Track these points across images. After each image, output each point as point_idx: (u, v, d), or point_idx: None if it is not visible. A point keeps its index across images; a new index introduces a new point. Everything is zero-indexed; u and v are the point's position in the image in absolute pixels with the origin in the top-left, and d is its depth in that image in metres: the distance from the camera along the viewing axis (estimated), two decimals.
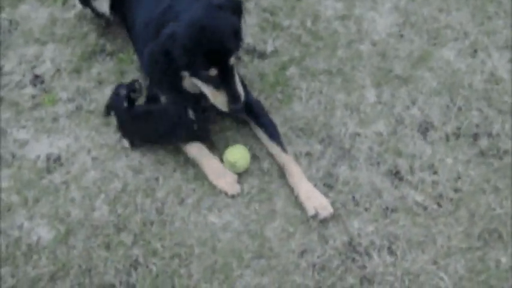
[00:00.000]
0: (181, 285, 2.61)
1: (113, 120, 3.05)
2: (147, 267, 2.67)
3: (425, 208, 2.78)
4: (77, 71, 3.40)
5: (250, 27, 3.50)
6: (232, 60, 2.60)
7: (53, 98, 3.27)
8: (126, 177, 2.95)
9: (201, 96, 2.79)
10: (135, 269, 2.67)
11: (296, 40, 3.49)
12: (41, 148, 3.09)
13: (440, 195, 2.81)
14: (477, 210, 2.76)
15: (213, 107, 2.80)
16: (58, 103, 3.26)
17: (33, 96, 3.30)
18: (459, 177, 2.87)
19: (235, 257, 2.67)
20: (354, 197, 2.83)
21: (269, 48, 3.45)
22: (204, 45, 2.50)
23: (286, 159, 2.87)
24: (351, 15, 3.60)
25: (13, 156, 3.06)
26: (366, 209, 2.79)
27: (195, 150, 2.93)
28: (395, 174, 2.89)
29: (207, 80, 2.65)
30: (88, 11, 3.53)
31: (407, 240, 2.69)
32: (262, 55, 3.41)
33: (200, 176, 2.92)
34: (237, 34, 2.65)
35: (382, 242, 2.69)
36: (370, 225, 2.74)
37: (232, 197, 2.84)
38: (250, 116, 2.98)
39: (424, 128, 3.05)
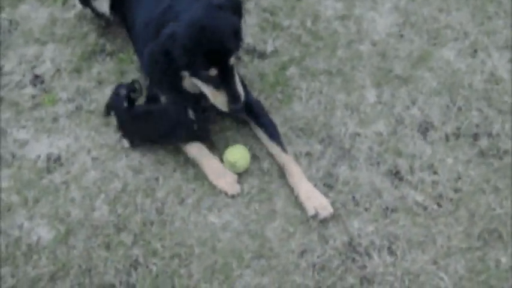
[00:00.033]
0: (181, 285, 2.61)
1: (113, 120, 3.05)
2: (147, 267, 2.67)
3: (425, 208, 2.78)
4: (77, 71, 3.40)
5: (250, 27, 3.50)
6: (232, 60, 2.60)
7: (53, 98, 3.27)
8: (126, 177, 2.95)
9: (201, 96, 2.79)
10: (135, 269, 2.67)
11: (296, 40, 3.49)
12: (41, 148, 3.09)
13: (440, 195, 2.81)
14: (477, 210, 2.76)
15: (213, 107, 2.80)
16: (58, 103, 3.26)
17: (33, 96, 3.30)
18: (459, 177, 2.87)
19: (235, 257, 2.67)
20: (354, 197, 2.83)
21: (269, 48, 3.45)
22: (204, 45, 2.50)
23: (286, 159, 2.87)
24: (351, 15, 3.59)
25: (13, 156, 3.06)
26: (366, 209, 2.79)
27: (195, 150, 2.93)
28: (395, 174, 2.89)
29: (207, 80, 2.65)
30: (88, 11, 3.53)
31: (407, 240, 2.69)
32: (262, 55, 3.41)
33: (200, 176, 2.92)
34: (237, 34, 2.65)
35: (382, 242, 2.69)
36: (370, 225, 2.74)
37: (232, 197, 2.84)
38: (250, 116, 2.98)
39: (424, 128, 3.05)
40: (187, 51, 2.51)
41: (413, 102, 3.15)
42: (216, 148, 3.00)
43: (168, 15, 2.67)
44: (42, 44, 3.56)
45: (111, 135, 3.07)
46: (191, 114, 2.85)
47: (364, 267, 2.63)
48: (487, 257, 2.63)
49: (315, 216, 2.73)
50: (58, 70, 3.41)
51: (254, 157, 2.95)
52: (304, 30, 3.53)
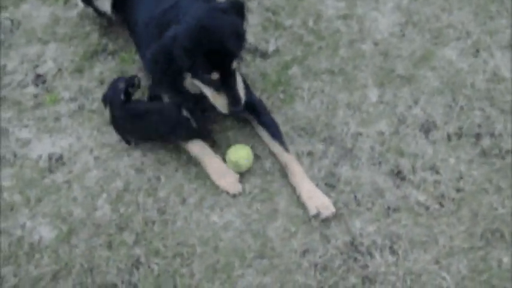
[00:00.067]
0: (183, 284, 2.61)
1: None
2: (149, 266, 2.67)
3: (427, 208, 2.78)
4: (79, 70, 3.40)
5: (252, 26, 3.50)
6: (234, 64, 2.61)
7: (55, 98, 3.27)
8: (128, 177, 2.95)
9: (202, 96, 2.79)
10: (137, 268, 2.67)
11: (298, 39, 3.49)
12: (43, 147, 3.09)
13: (443, 195, 2.81)
14: (479, 210, 2.76)
15: (213, 107, 2.80)
16: (60, 102, 3.27)
17: (35, 96, 3.30)
18: (461, 177, 2.87)
19: (237, 257, 2.67)
20: (355, 197, 2.83)
21: (271, 47, 3.45)
22: (206, 49, 2.51)
23: (288, 159, 2.87)
24: (353, 14, 3.59)
25: (15, 155, 3.07)
26: (368, 209, 2.79)
27: (198, 149, 2.93)
28: (398, 174, 2.89)
29: (208, 83, 2.66)
30: (90, 10, 3.53)
31: (410, 239, 2.68)
32: (264, 54, 3.41)
33: (202, 175, 2.92)
34: (239, 38, 2.65)
35: (384, 242, 2.68)
36: (372, 224, 2.74)
37: (234, 196, 2.85)
38: (253, 115, 2.99)
39: (426, 128, 3.04)
40: (189, 54, 2.51)
41: (416, 102, 3.15)
42: (218, 147, 2.99)
43: (170, 15, 2.68)
44: (44, 44, 3.56)
45: (113, 134, 3.07)
46: (186, 112, 2.85)
47: (366, 266, 2.62)
48: (489, 257, 2.63)
49: (316, 216, 2.73)
50: (60, 69, 3.42)
51: (256, 156, 2.95)
52: (306, 30, 3.53)
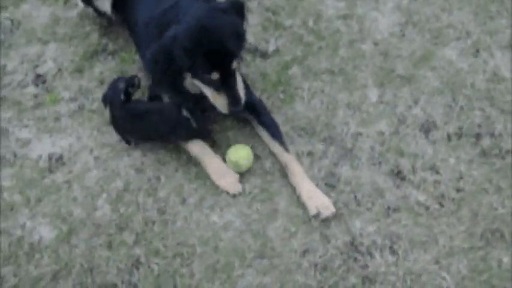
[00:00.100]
0: (183, 284, 2.61)
1: None
2: (149, 266, 2.67)
3: (427, 208, 2.78)
4: (79, 70, 3.40)
5: (252, 26, 3.50)
6: (234, 64, 2.61)
7: (55, 98, 3.27)
8: (128, 177, 2.95)
9: (202, 96, 2.79)
10: (137, 268, 2.67)
11: (298, 39, 3.49)
12: (43, 147, 3.09)
13: (443, 195, 2.81)
14: (479, 210, 2.76)
15: (214, 107, 2.80)
16: (60, 102, 3.27)
17: (35, 96, 3.31)
18: (461, 177, 2.87)
19: (237, 257, 2.67)
20: (355, 197, 2.83)
21: (271, 47, 3.45)
22: (206, 49, 2.51)
23: (288, 159, 2.87)
24: (353, 14, 3.59)
25: (15, 155, 3.07)
26: (368, 209, 2.79)
27: (198, 149, 2.93)
28: (398, 174, 2.89)
29: (208, 83, 2.66)
30: (90, 10, 3.53)
31: (410, 239, 2.68)
32: (264, 54, 3.41)
33: (202, 175, 2.92)
34: (239, 39, 2.65)
35: (384, 242, 2.68)
36: (372, 224, 2.74)
37: (234, 196, 2.84)
38: (253, 115, 2.99)
39: (426, 128, 3.04)
40: (189, 54, 2.52)
41: (416, 102, 3.15)
42: (218, 147, 3.00)
43: (170, 15, 2.68)
44: (44, 44, 3.56)
45: (113, 134, 3.07)
46: (185, 112, 2.85)
47: (366, 266, 2.62)
48: (489, 257, 2.63)
49: (316, 216, 2.73)
50: (60, 69, 3.42)
51: (256, 156, 2.95)
52: (306, 30, 3.53)
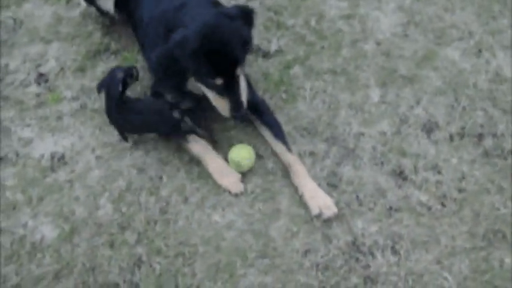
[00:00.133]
0: (184, 284, 2.61)
1: None
2: (151, 266, 2.67)
3: (429, 208, 2.77)
4: (82, 69, 3.41)
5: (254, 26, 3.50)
6: (238, 70, 2.61)
7: (58, 97, 3.28)
8: (130, 176, 2.95)
9: (204, 97, 2.80)
10: (139, 267, 2.67)
11: (300, 39, 3.49)
12: (45, 146, 3.09)
13: (445, 195, 2.81)
14: (481, 210, 2.76)
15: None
16: (62, 102, 3.27)
17: (38, 95, 3.31)
18: (463, 177, 2.87)
19: (239, 256, 2.67)
20: (357, 197, 2.82)
21: (273, 47, 3.45)
22: (212, 54, 2.52)
23: (290, 159, 2.87)
24: (356, 14, 3.59)
25: (17, 154, 3.07)
26: (370, 209, 2.79)
27: (200, 148, 2.93)
28: (400, 174, 2.89)
29: (212, 87, 2.67)
30: (93, 9, 3.54)
31: (411, 240, 2.68)
32: (266, 54, 3.41)
33: (204, 174, 2.92)
34: (245, 46, 2.66)
35: (386, 242, 2.68)
36: (374, 225, 2.74)
37: (236, 196, 2.84)
38: (255, 115, 2.99)
39: (429, 128, 3.04)
40: (195, 59, 2.52)
41: (418, 102, 3.15)
42: (221, 147, 3.00)
43: (178, 16, 2.68)
44: (46, 43, 3.56)
45: (115, 134, 3.06)
46: (176, 114, 2.85)
47: (367, 266, 2.62)
48: (491, 257, 2.62)
49: (319, 216, 2.73)
50: (62, 69, 3.42)
51: (258, 156, 2.95)
52: (309, 30, 3.53)
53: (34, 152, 3.07)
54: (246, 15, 2.72)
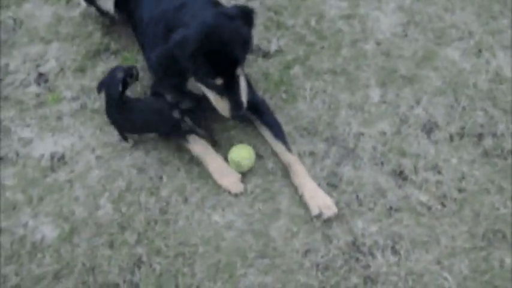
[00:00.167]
0: (184, 284, 2.61)
1: None
2: (151, 266, 2.67)
3: (429, 208, 2.77)
4: (82, 69, 3.41)
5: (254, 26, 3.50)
6: (238, 70, 2.61)
7: (57, 97, 3.28)
8: (130, 176, 2.95)
9: (204, 97, 2.80)
10: (139, 267, 2.67)
11: (300, 39, 3.49)
12: (45, 147, 3.09)
13: (445, 195, 2.81)
14: (481, 210, 2.76)
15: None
16: (62, 102, 3.27)
17: (38, 95, 3.31)
18: (463, 177, 2.87)
19: (239, 256, 2.67)
20: (357, 197, 2.83)
21: (273, 47, 3.45)
22: (212, 55, 2.52)
23: (290, 159, 2.87)
24: (356, 14, 3.59)
25: (17, 154, 3.07)
26: (370, 209, 2.79)
27: (200, 148, 2.93)
28: (400, 174, 2.89)
29: (212, 87, 2.67)
30: (92, 9, 3.54)
31: (411, 240, 2.68)
32: (266, 54, 3.41)
33: (204, 174, 2.92)
34: (246, 46, 2.66)
35: (386, 242, 2.68)
36: (374, 225, 2.74)
37: (236, 196, 2.84)
38: (255, 114, 2.99)
39: (429, 128, 3.04)
40: (194, 59, 2.53)
41: (418, 102, 3.15)
42: (221, 147, 3.00)
43: (178, 16, 2.68)
44: (46, 43, 3.56)
45: (115, 134, 3.06)
46: (176, 114, 2.84)
47: (367, 267, 2.62)
48: (491, 257, 2.63)
49: (319, 216, 2.73)
50: (62, 69, 3.42)
51: (258, 156, 2.95)
52: (309, 30, 3.53)
53: (34, 152, 3.07)
54: (246, 15, 2.72)
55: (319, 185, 2.83)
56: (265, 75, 3.30)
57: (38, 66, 3.44)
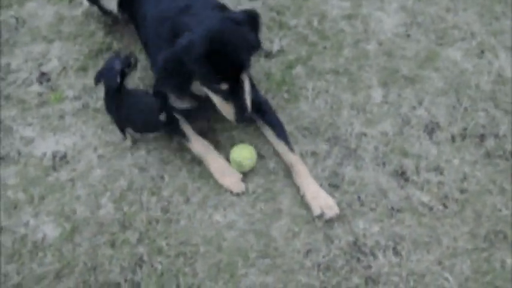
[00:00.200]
0: (186, 283, 2.61)
1: None
2: (152, 265, 2.67)
3: (430, 208, 2.77)
4: (84, 69, 3.41)
5: None
6: (244, 75, 2.62)
7: (60, 96, 3.28)
8: (132, 175, 2.95)
9: (207, 98, 2.79)
10: (140, 267, 2.67)
11: (303, 39, 3.49)
12: (47, 146, 3.09)
13: (446, 196, 2.81)
14: (483, 211, 2.75)
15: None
16: (64, 101, 3.27)
17: (40, 94, 3.31)
18: (465, 178, 2.86)
19: (240, 256, 2.67)
20: (359, 197, 2.82)
21: (276, 47, 3.45)
22: (218, 60, 2.52)
23: (293, 159, 2.87)
24: (358, 14, 3.59)
25: (19, 153, 3.07)
26: (372, 209, 2.78)
27: (201, 148, 2.93)
28: (401, 175, 2.89)
29: (217, 92, 2.67)
30: (95, 8, 3.54)
31: (413, 240, 2.68)
32: (268, 54, 3.41)
33: (206, 174, 2.92)
34: (251, 51, 2.66)
35: (387, 242, 2.68)
36: (376, 225, 2.74)
37: (238, 195, 2.84)
38: (258, 114, 2.98)
39: (431, 129, 3.04)
40: (200, 64, 2.53)
41: (420, 103, 3.15)
42: (222, 147, 3.00)
43: (184, 19, 2.67)
44: (48, 42, 3.57)
45: (117, 133, 3.07)
46: (163, 117, 2.84)
47: (369, 267, 2.62)
48: (492, 258, 2.62)
49: (320, 216, 2.73)
50: (64, 68, 3.42)
51: (260, 156, 2.95)
52: (311, 30, 3.53)
53: (36, 151, 3.08)
54: (253, 20, 2.73)
55: (321, 185, 2.83)
56: (267, 75, 3.30)
57: (40, 65, 3.44)
